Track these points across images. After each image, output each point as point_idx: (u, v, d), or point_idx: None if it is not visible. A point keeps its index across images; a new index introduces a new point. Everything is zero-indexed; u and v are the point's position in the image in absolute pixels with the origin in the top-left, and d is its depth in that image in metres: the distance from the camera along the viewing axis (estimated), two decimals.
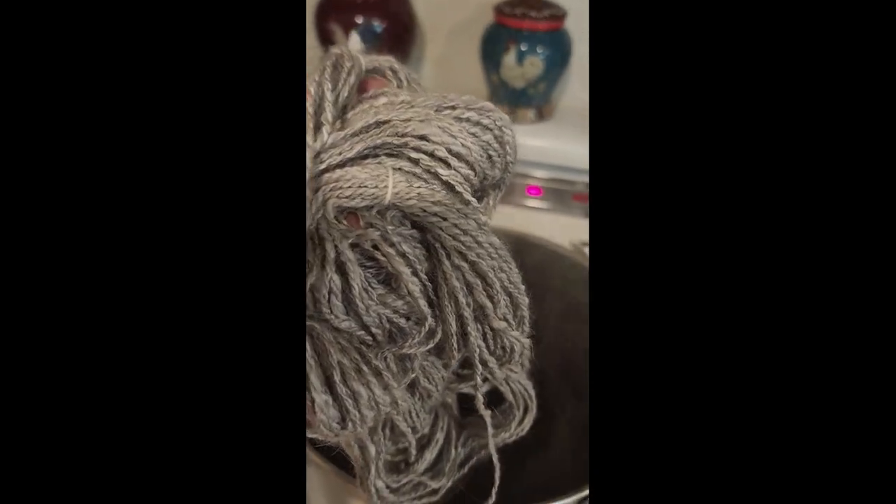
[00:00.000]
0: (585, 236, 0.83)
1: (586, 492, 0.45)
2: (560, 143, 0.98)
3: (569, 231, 0.84)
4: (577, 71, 1.04)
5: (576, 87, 1.07)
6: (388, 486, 0.42)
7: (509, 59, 0.97)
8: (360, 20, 0.96)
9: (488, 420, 0.43)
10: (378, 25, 0.97)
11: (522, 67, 0.97)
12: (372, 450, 0.39)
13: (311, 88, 0.33)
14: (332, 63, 0.34)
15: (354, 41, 0.37)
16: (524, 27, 0.95)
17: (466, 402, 0.43)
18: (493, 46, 0.99)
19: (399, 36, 1.00)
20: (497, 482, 0.44)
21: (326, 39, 0.98)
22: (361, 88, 0.36)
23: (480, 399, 0.42)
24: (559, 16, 0.96)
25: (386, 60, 0.37)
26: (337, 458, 0.44)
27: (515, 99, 1.01)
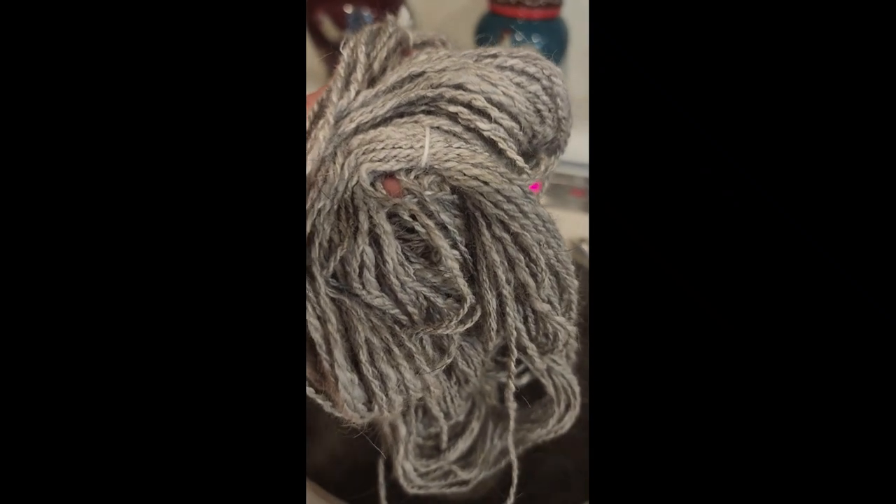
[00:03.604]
0: (584, 233, 0.81)
1: None
2: None
3: (567, 228, 0.82)
4: (574, 61, 1.03)
5: (573, 78, 1.06)
6: (416, 470, 0.39)
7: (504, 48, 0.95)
8: (349, 10, 0.94)
9: (512, 414, 0.40)
10: (368, 15, 0.95)
11: None
12: (402, 430, 0.37)
13: (344, 53, 0.31)
14: (371, 30, 0.32)
15: (404, 17, 0.35)
16: (519, 16, 0.94)
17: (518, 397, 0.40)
18: (487, 36, 0.97)
19: None
20: (515, 481, 0.42)
21: (314, 30, 0.96)
22: (405, 54, 0.33)
23: (511, 387, 0.39)
24: (555, 4, 0.95)
25: (436, 35, 0.35)
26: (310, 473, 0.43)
27: None
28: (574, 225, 0.85)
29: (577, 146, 0.95)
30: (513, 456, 0.42)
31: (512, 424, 0.40)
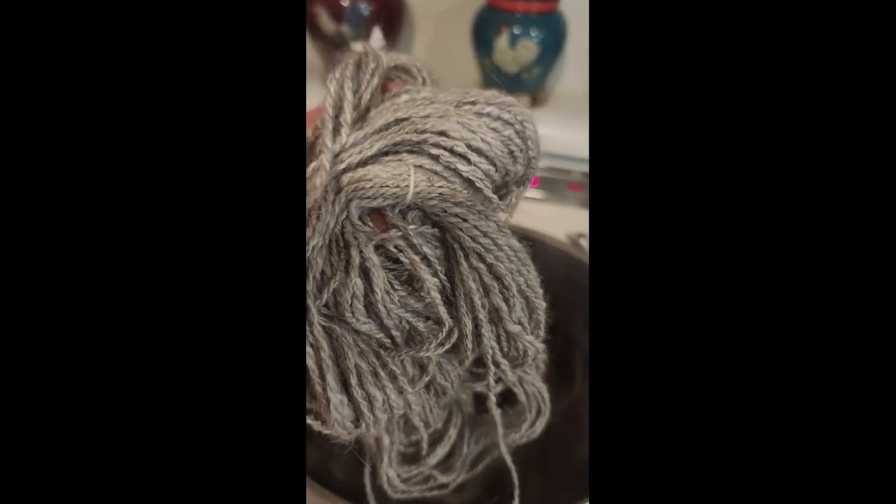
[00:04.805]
0: (582, 227, 0.85)
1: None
2: (555, 131, 0.99)
3: (565, 222, 0.85)
4: (573, 55, 1.05)
5: (571, 73, 1.08)
6: (399, 476, 0.44)
7: (502, 42, 0.97)
8: (346, 2, 0.96)
9: (498, 420, 0.44)
10: (365, 8, 0.97)
11: (515, 51, 0.97)
12: (385, 440, 0.41)
13: (330, 87, 0.34)
14: (354, 62, 0.35)
15: (376, 38, 0.38)
16: (517, 9, 0.96)
17: (481, 400, 0.44)
18: (484, 29, 0.99)
19: (387, 19, 1.00)
20: (516, 486, 0.46)
21: (311, 23, 0.98)
22: (384, 89, 0.37)
23: (492, 399, 0.43)
24: None
25: (408, 59, 0.38)
26: (314, 473, 0.45)
27: (508, 85, 1.01)
28: (572, 219, 0.88)
29: (575, 141, 0.98)
30: (509, 462, 0.46)
31: (500, 430, 0.44)
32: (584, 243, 0.82)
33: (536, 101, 1.05)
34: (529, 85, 1.03)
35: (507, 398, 0.46)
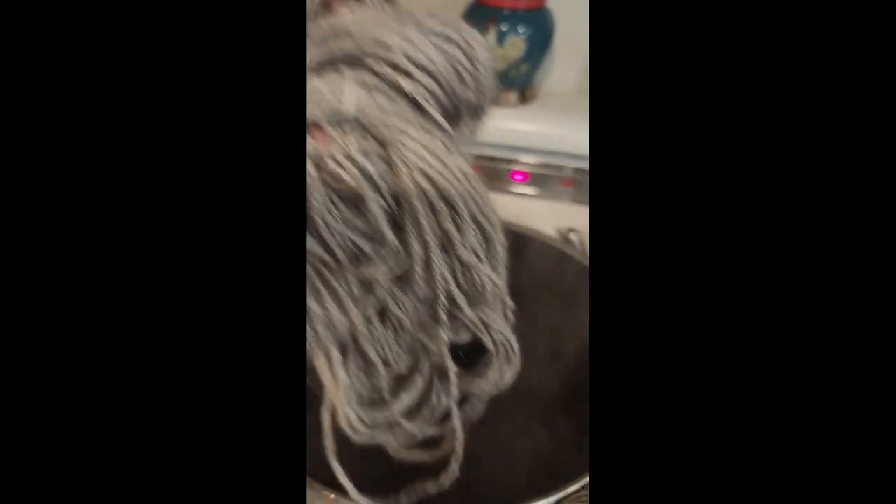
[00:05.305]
0: (573, 223, 0.84)
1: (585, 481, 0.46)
2: (545, 127, 1.00)
3: (556, 218, 0.85)
4: (561, 52, 1.05)
5: (560, 69, 1.09)
6: (360, 418, 0.42)
7: (489, 39, 0.98)
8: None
9: (453, 374, 0.43)
10: None
11: (503, 48, 0.98)
12: (341, 373, 0.40)
13: None
14: None
15: None
16: (504, 6, 0.96)
17: (455, 353, 0.42)
18: (472, 26, 0.99)
19: None
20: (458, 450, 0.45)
21: None
22: (327, 6, 0.37)
23: (444, 339, 0.41)
24: None
25: None
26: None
27: (497, 81, 1.01)
28: (563, 215, 0.88)
29: (565, 137, 0.98)
30: (458, 427, 0.45)
31: (454, 391, 0.43)
32: (575, 238, 0.82)
33: (525, 97, 1.05)
34: (518, 82, 1.03)
35: (476, 350, 0.45)
